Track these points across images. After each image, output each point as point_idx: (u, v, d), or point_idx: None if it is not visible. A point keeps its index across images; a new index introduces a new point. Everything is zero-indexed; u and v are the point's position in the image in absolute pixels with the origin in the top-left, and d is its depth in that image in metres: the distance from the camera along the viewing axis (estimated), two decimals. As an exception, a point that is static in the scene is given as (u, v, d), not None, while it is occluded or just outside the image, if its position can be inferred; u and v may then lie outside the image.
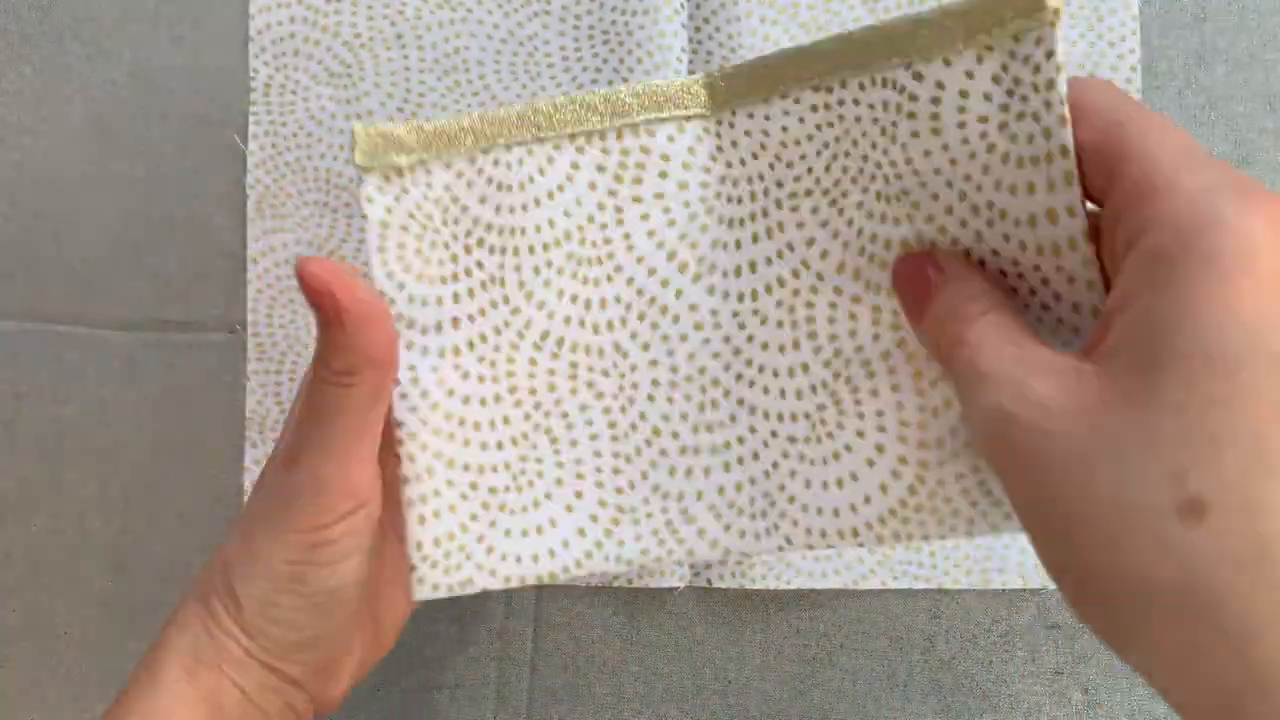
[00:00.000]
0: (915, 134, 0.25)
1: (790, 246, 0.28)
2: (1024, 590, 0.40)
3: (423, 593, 0.28)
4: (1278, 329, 0.18)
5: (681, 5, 0.41)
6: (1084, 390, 0.19)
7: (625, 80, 0.40)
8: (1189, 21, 0.41)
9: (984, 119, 0.24)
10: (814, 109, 0.27)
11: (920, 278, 0.25)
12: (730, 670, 0.42)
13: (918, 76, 0.24)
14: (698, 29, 0.41)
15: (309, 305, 0.25)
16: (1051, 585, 0.40)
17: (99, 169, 0.43)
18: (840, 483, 0.28)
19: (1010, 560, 0.40)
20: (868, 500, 0.27)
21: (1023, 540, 0.39)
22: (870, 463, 0.27)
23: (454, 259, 0.29)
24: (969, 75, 0.24)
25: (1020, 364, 0.21)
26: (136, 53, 0.43)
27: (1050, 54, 0.22)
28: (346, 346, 0.25)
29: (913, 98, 0.25)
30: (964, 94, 0.24)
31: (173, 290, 0.43)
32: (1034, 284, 0.24)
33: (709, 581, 0.41)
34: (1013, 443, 0.20)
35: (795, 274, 0.28)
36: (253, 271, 0.42)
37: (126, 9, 0.43)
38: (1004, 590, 0.40)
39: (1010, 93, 0.23)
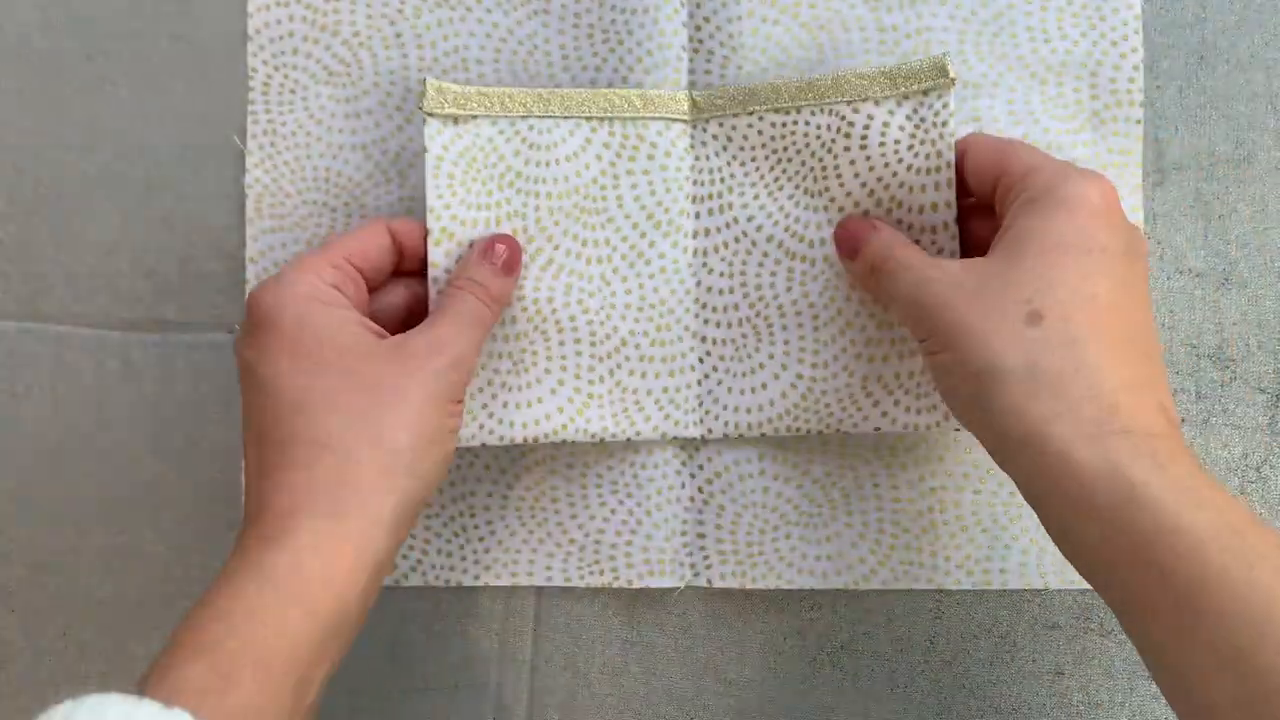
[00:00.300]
0: (848, 148, 0.38)
1: (736, 220, 0.40)
2: (1025, 591, 0.40)
3: None
4: (1090, 237, 0.31)
5: (681, 4, 0.41)
6: (973, 267, 0.32)
7: (625, 79, 0.41)
8: (1190, 21, 0.41)
9: (898, 141, 0.37)
10: (774, 125, 0.39)
11: (858, 230, 0.37)
12: (730, 670, 0.42)
13: (855, 110, 0.38)
14: (698, 28, 0.41)
15: (490, 252, 0.37)
16: (1053, 586, 0.40)
17: (99, 169, 0.43)
18: (754, 390, 0.40)
19: (1011, 561, 0.40)
20: (772, 403, 0.40)
21: (1024, 541, 0.40)
22: (776, 376, 0.40)
23: (489, 194, 0.39)
24: (890, 112, 0.37)
25: (932, 262, 0.34)
26: (136, 53, 0.43)
27: (946, 104, 0.37)
28: (510, 285, 0.38)
29: (850, 123, 0.38)
30: (886, 125, 0.37)
31: (173, 290, 0.43)
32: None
33: (709, 581, 0.41)
34: (931, 293, 0.32)
35: (737, 239, 0.40)
36: (251, 271, 0.42)
37: (126, 9, 0.43)
38: (1005, 591, 0.40)
39: (918, 126, 0.37)
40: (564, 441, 0.40)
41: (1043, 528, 0.39)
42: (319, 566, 0.30)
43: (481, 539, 0.42)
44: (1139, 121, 0.40)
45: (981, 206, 0.36)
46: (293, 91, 0.42)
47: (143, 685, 0.28)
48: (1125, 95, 0.40)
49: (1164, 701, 0.40)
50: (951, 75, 0.36)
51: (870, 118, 0.37)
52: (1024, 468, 0.30)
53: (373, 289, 0.37)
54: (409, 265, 0.38)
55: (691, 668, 0.42)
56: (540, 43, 0.41)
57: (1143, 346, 0.31)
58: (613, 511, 0.41)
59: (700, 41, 0.41)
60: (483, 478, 0.41)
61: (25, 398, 0.43)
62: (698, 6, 0.41)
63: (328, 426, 0.32)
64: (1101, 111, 0.40)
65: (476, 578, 0.42)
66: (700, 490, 0.41)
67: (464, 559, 0.42)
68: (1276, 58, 0.40)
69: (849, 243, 0.37)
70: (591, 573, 0.41)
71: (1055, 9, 0.40)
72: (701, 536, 0.41)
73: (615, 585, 0.41)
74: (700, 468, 0.41)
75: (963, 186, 0.36)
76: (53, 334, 0.43)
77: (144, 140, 0.43)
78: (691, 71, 0.41)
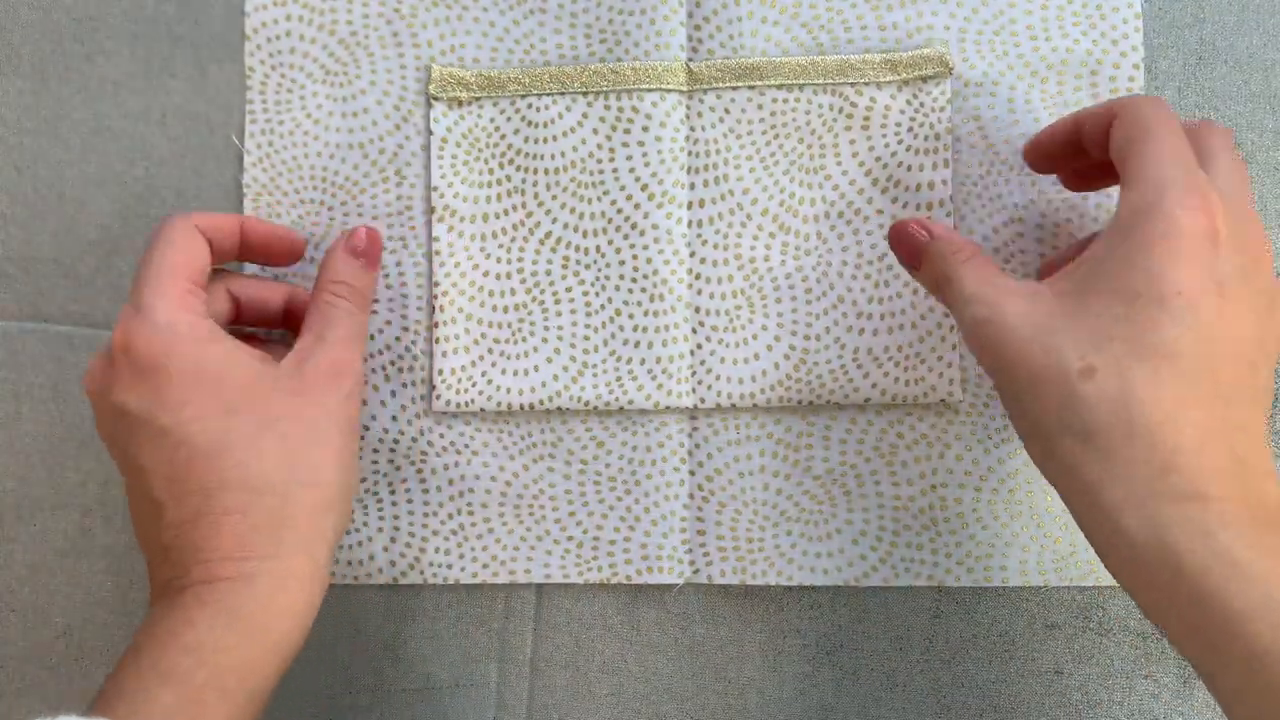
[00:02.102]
0: (848, 128, 0.40)
1: (731, 192, 0.41)
2: (1024, 589, 0.40)
3: (439, 405, 0.41)
4: (1167, 282, 0.28)
5: (679, 4, 0.41)
6: (1036, 304, 0.30)
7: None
8: (1189, 21, 0.41)
9: (899, 124, 0.40)
10: (774, 100, 0.40)
11: (913, 237, 0.35)
12: (730, 670, 0.42)
13: (859, 92, 0.40)
14: (697, 28, 0.41)
15: (355, 250, 0.38)
16: (1054, 583, 0.40)
17: (99, 169, 0.43)
18: (746, 360, 0.40)
19: (1011, 559, 0.40)
20: (765, 374, 0.40)
21: (1024, 539, 0.40)
22: (769, 348, 0.40)
23: (490, 171, 0.41)
24: (892, 96, 0.40)
25: (993, 288, 0.31)
26: (136, 53, 0.43)
27: (944, 91, 0.40)
28: (373, 281, 0.38)
29: (853, 104, 0.40)
30: (887, 108, 0.40)
31: (173, 290, 0.43)
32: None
33: (709, 578, 0.41)
34: (986, 336, 0.31)
35: (731, 212, 0.41)
36: (249, 270, 0.42)
37: (126, 9, 0.43)
38: (1004, 589, 0.40)
39: (918, 110, 0.40)
40: (559, 410, 0.41)
41: (1042, 526, 0.40)
42: (280, 604, 0.32)
43: (480, 536, 0.42)
44: None
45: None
46: (290, 91, 0.42)
47: (105, 709, 0.30)
48: (1126, 94, 0.40)
49: (1163, 700, 0.40)
50: (950, 65, 0.39)
51: (873, 100, 0.40)
52: (1079, 522, 0.30)
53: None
54: (219, 261, 0.37)
55: (691, 667, 0.42)
56: (537, 42, 0.41)
57: (1226, 393, 0.28)
58: (610, 508, 0.41)
59: (700, 42, 0.41)
60: (480, 475, 0.41)
61: (25, 398, 0.43)
62: (697, 5, 0.41)
63: (259, 469, 0.32)
64: None
65: (475, 575, 0.42)
66: (700, 487, 0.41)
67: (462, 557, 0.42)
68: (1276, 58, 0.41)
69: (909, 251, 0.35)
70: (591, 569, 0.41)
71: (1055, 7, 0.40)
72: (701, 533, 0.41)
73: (614, 581, 0.41)
74: (700, 464, 0.41)
75: (1078, 143, 0.34)
76: (53, 334, 0.43)
77: (144, 140, 0.43)
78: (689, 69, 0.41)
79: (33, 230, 0.43)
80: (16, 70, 0.43)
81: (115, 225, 0.43)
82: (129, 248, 0.43)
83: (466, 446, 0.41)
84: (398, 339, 0.41)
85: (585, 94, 0.41)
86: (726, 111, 0.41)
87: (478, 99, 0.41)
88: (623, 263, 0.41)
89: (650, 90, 0.40)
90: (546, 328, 0.41)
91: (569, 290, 0.41)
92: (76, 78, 0.43)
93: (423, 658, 0.42)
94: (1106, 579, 0.40)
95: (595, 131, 0.41)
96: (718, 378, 0.40)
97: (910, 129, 0.40)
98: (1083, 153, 0.35)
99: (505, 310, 0.41)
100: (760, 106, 0.40)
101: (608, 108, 0.40)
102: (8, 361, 0.43)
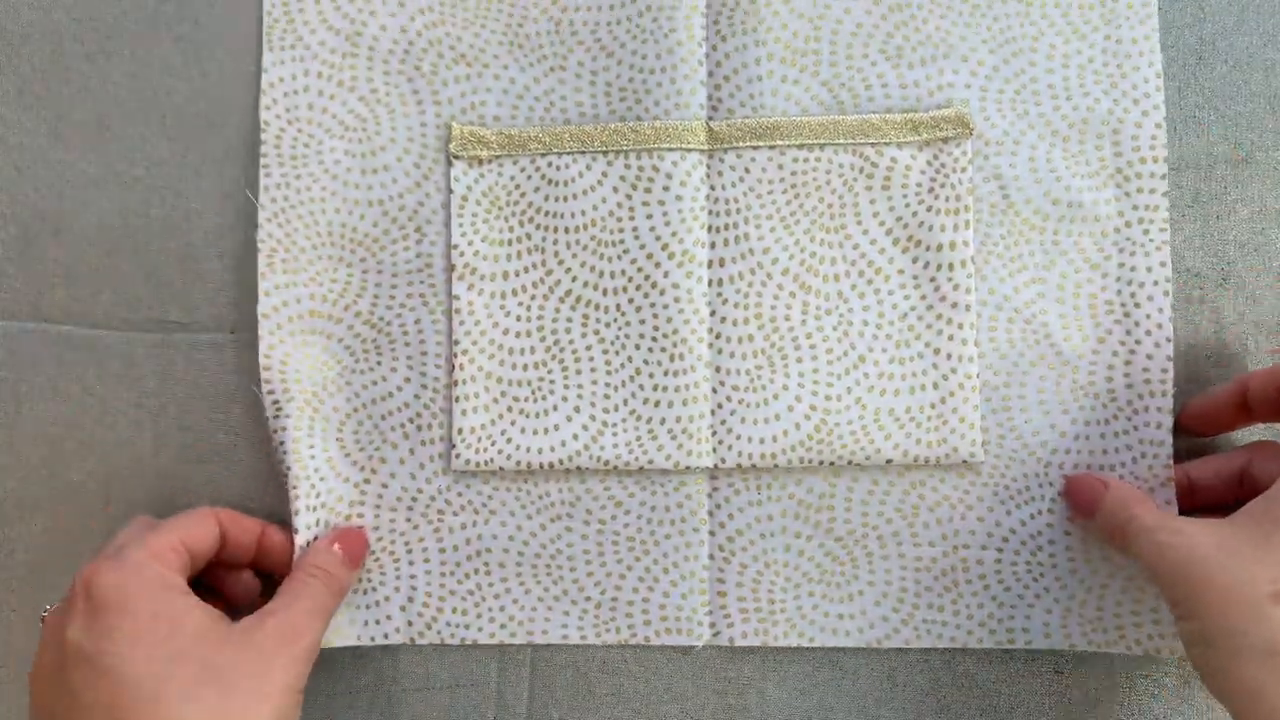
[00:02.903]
0: (869, 188, 0.40)
1: (751, 252, 0.40)
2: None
3: (458, 464, 0.41)
4: None
5: (700, 62, 0.40)
6: (1222, 533, 0.32)
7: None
8: (1189, 21, 0.41)
9: (919, 183, 0.40)
10: (795, 160, 0.40)
11: (1091, 488, 0.37)
12: (730, 670, 0.42)
13: (879, 152, 0.40)
14: (717, 87, 0.41)
15: (341, 548, 0.39)
16: (1079, 647, 0.40)
17: (99, 169, 0.43)
18: (767, 420, 0.40)
19: (1035, 621, 0.40)
20: (785, 434, 0.40)
21: (1047, 601, 0.40)
22: (790, 408, 0.40)
23: (510, 229, 0.41)
24: (913, 156, 0.40)
25: (1175, 520, 0.34)
26: (136, 53, 0.43)
27: (965, 152, 0.40)
28: (352, 578, 0.40)
29: (873, 164, 0.40)
30: (908, 168, 0.40)
31: (173, 290, 0.42)
32: (926, 290, 0.40)
33: (730, 640, 0.41)
34: (1174, 558, 0.32)
35: (752, 271, 0.40)
36: (265, 327, 0.41)
37: (126, 9, 0.43)
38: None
39: (938, 171, 0.40)
40: (579, 469, 0.41)
41: (1066, 588, 0.39)
42: None
43: (497, 596, 0.41)
44: (1164, 178, 0.40)
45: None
46: (307, 146, 0.42)
47: None
48: (1149, 152, 0.40)
49: (1163, 700, 0.40)
50: (971, 126, 0.39)
51: (894, 160, 0.40)
52: None
53: (190, 576, 0.37)
54: (228, 555, 0.39)
55: (691, 667, 0.42)
56: (557, 100, 0.41)
57: None
58: (629, 568, 0.41)
59: (719, 101, 0.41)
60: (498, 534, 0.41)
61: (25, 398, 0.43)
62: (717, 65, 0.41)
63: (185, 717, 0.32)
64: (1125, 169, 0.40)
65: (492, 636, 0.41)
66: (721, 548, 0.41)
67: (479, 617, 0.41)
68: (1275, 58, 0.41)
69: (1084, 502, 0.38)
70: (609, 630, 0.41)
71: (1076, 66, 0.40)
72: (722, 594, 0.41)
73: (633, 643, 0.41)
74: (721, 525, 0.41)
75: (1243, 405, 0.37)
76: (53, 334, 0.43)
77: (144, 140, 0.43)
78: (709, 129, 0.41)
79: (33, 230, 0.43)
80: (16, 70, 0.43)
81: (115, 225, 0.43)
82: (129, 248, 0.43)
83: (484, 506, 0.41)
84: (416, 397, 0.41)
85: (606, 153, 0.41)
86: (747, 171, 0.40)
87: (498, 157, 0.41)
88: (643, 321, 0.40)
89: (671, 149, 0.40)
90: (566, 386, 0.41)
91: (589, 349, 0.41)
92: (76, 78, 0.43)
93: (423, 657, 0.42)
94: (1134, 645, 0.39)
95: (615, 190, 0.40)
96: (738, 438, 0.40)
97: (931, 189, 0.40)
98: (1245, 413, 0.37)
99: (525, 369, 0.41)
100: (781, 166, 0.40)
101: (628, 166, 0.40)
102: (8, 361, 0.43)
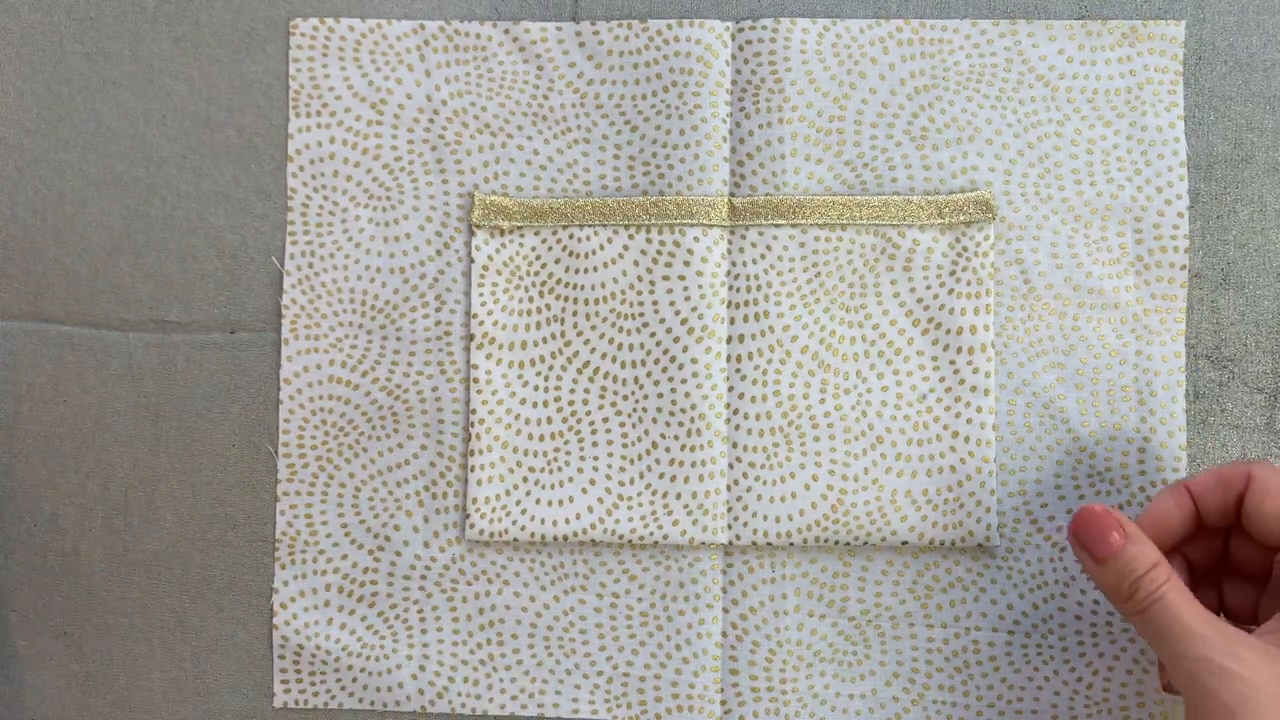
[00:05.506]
0: (890, 269, 0.40)
1: (771, 329, 0.40)
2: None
3: (472, 534, 0.40)
4: None
5: (724, 138, 0.40)
6: (1272, 663, 0.31)
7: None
8: (1189, 21, 0.41)
9: (941, 265, 0.40)
10: (816, 239, 0.40)
11: (1104, 534, 0.34)
12: None
13: (901, 233, 0.40)
14: (740, 163, 0.41)
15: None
16: None
17: (99, 169, 0.43)
18: (783, 498, 0.40)
19: (1043, 703, 0.40)
20: (802, 513, 0.40)
21: (1056, 684, 0.40)
22: (806, 487, 0.40)
23: (530, 300, 0.41)
24: (935, 239, 0.40)
25: (1223, 633, 0.31)
26: (136, 53, 0.43)
27: (988, 236, 0.40)
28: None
29: (895, 245, 0.40)
30: (930, 249, 0.40)
31: (173, 290, 0.43)
32: (945, 372, 0.40)
33: (742, 719, 0.40)
34: (1215, 685, 0.31)
35: (771, 348, 0.40)
36: (285, 391, 0.41)
37: (126, 9, 0.43)
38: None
39: (960, 254, 0.40)
40: (593, 543, 0.40)
41: (1075, 670, 0.39)
42: None
43: (509, 668, 0.41)
44: (1184, 268, 0.40)
45: None
46: (332, 213, 0.42)
47: None
48: (1170, 241, 0.40)
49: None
50: (994, 209, 0.40)
51: (916, 241, 0.40)
52: None
53: None
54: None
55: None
56: (580, 172, 0.41)
57: None
58: (642, 644, 0.41)
59: (742, 178, 0.41)
60: (511, 605, 0.41)
61: (25, 398, 0.43)
62: (741, 142, 0.41)
63: None
64: (1145, 257, 0.40)
65: (503, 707, 0.41)
66: (734, 625, 0.41)
67: (490, 688, 0.41)
68: (1275, 58, 0.41)
69: (1093, 542, 0.34)
70: (620, 705, 0.41)
71: (1100, 152, 0.40)
72: (734, 672, 0.40)
73: (643, 719, 0.41)
74: (734, 602, 0.41)
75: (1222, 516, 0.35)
76: (53, 334, 0.43)
77: (144, 140, 0.43)
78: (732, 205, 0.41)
79: (33, 230, 0.43)
80: (16, 70, 0.43)
81: (115, 225, 0.43)
82: (129, 248, 0.43)
83: (498, 576, 0.41)
84: (432, 465, 0.41)
85: (627, 226, 0.41)
86: (768, 248, 0.40)
87: (520, 227, 0.41)
88: (660, 395, 0.40)
89: (692, 225, 0.40)
90: (583, 458, 0.41)
91: (606, 421, 0.41)
92: (76, 78, 0.43)
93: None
94: None
95: (636, 264, 0.40)
96: (754, 515, 0.40)
97: (953, 272, 0.40)
98: (1201, 530, 0.36)
99: (541, 439, 0.41)
100: (802, 244, 0.40)
101: (649, 240, 0.40)
102: (8, 361, 0.43)
